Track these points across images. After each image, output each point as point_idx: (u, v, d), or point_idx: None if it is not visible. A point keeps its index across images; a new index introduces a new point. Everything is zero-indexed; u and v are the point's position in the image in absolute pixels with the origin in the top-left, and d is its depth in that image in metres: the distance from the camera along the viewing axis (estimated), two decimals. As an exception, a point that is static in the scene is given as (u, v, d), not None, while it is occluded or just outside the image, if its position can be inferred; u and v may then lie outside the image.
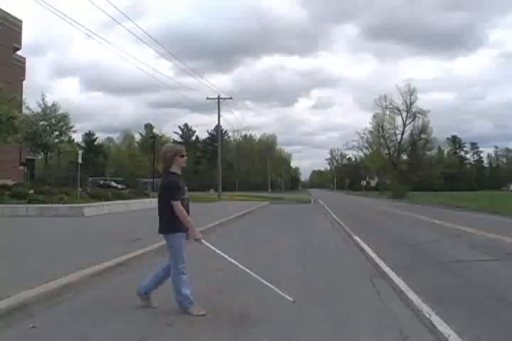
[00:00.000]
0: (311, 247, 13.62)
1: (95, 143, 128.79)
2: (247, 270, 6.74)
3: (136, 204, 30.83)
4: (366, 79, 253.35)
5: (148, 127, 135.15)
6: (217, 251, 6.87)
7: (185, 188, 6.68)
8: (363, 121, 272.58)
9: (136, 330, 5.56)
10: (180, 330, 5.63)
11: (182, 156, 6.67)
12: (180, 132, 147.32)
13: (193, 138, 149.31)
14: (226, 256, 6.98)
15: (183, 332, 5.56)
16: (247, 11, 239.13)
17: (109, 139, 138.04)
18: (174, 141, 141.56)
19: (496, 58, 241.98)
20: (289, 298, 6.33)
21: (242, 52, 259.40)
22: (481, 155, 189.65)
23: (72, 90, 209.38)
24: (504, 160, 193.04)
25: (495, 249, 13.53)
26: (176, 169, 6.62)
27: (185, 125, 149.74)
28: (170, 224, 6.34)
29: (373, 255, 11.58)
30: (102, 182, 73.92)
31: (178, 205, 6.28)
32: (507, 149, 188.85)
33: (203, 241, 6.65)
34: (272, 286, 6.56)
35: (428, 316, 6.12)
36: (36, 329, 5.56)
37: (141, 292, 6.61)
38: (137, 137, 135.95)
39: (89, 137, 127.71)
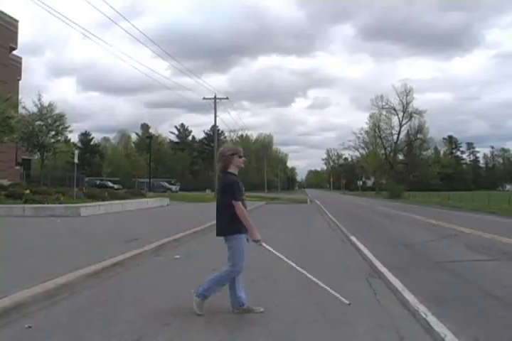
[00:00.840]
0: (308, 247, 13.63)
1: (91, 143, 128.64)
2: (303, 271, 6.69)
3: (132, 204, 30.80)
4: (363, 80, 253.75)
5: (145, 127, 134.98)
6: (275, 252, 6.81)
7: (243, 188, 6.54)
8: (360, 121, 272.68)
9: (133, 330, 5.55)
10: (177, 330, 5.62)
11: (240, 157, 6.48)
12: (176, 132, 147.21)
13: (190, 138, 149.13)
14: (283, 258, 6.98)
15: (180, 332, 5.55)
16: (245, 10, 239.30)
17: (106, 139, 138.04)
18: (171, 141, 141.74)
19: (492, 58, 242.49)
20: (345, 301, 6.26)
21: (239, 52, 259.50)
22: (477, 155, 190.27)
23: (69, 90, 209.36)
24: (500, 160, 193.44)
25: (491, 248, 13.54)
26: (233, 169, 6.45)
27: (182, 125, 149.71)
28: (230, 225, 6.25)
29: (370, 255, 11.58)
30: (98, 182, 73.80)
31: (239, 206, 6.19)
32: (503, 149, 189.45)
33: (263, 243, 6.53)
34: (327, 288, 6.50)
35: (424, 316, 6.11)
36: (32, 329, 5.55)
37: (238, 306, 6.46)
38: (134, 137, 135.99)
39: (85, 137, 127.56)
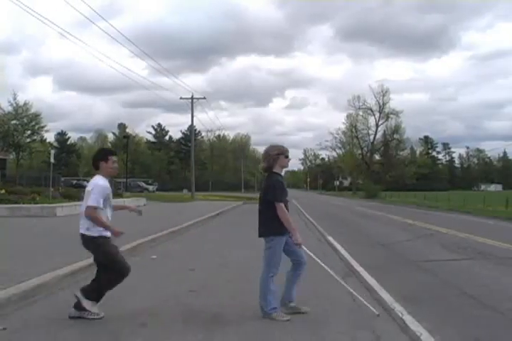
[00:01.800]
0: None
1: (68, 142, 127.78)
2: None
3: (109, 204, 30.46)
4: (341, 80, 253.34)
5: (122, 127, 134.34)
6: (313, 256, 6.77)
7: (287, 189, 6.46)
8: (337, 121, 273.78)
9: (109, 331, 5.53)
10: (153, 331, 5.60)
11: (286, 157, 6.42)
12: (153, 132, 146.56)
13: (167, 138, 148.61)
14: (321, 263, 6.87)
15: (157, 332, 5.54)
16: (224, 11, 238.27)
17: (82, 139, 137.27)
18: (148, 141, 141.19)
19: (468, 60, 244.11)
20: (375, 311, 6.22)
21: (218, 52, 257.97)
22: (453, 155, 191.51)
23: (46, 89, 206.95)
24: (475, 160, 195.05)
25: (467, 248, 13.66)
26: (278, 169, 6.36)
27: (159, 125, 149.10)
28: (272, 226, 6.14)
29: (346, 255, 11.63)
30: (74, 182, 73.08)
31: (282, 207, 6.10)
32: (478, 150, 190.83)
33: (303, 246, 6.41)
34: (358, 296, 6.49)
35: (400, 315, 6.15)
36: (7, 331, 5.48)
37: (286, 302, 6.36)
38: (110, 137, 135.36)
39: (61, 136, 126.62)
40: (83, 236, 6.25)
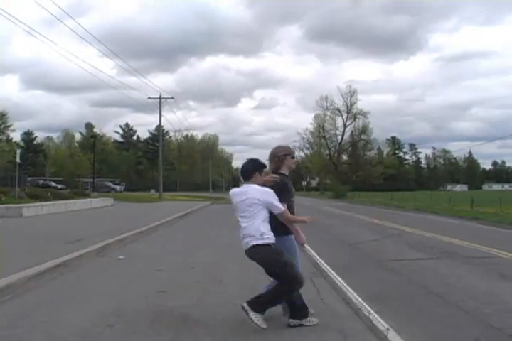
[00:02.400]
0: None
1: (34, 142, 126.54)
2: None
3: (76, 204, 30.40)
4: (309, 80, 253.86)
5: (89, 126, 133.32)
6: (317, 256, 6.73)
7: (293, 190, 6.42)
8: (305, 121, 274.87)
9: (76, 332, 5.49)
10: (121, 331, 5.57)
11: (293, 157, 6.38)
12: (121, 132, 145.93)
13: (134, 137, 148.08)
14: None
15: (125, 333, 5.51)
16: (193, 10, 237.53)
17: (49, 138, 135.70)
18: (115, 141, 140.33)
19: (435, 61, 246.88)
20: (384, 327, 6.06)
21: (187, 52, 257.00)
22: (420, 156, 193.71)
23: (12, 88, 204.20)
24: (441, 161, 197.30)
25: (433, 247, 13.80)
26: (285, 170, 6.30)
27: (127, 124, 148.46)
28: (279, 226, 6.02)
29: (314, 254, 11.67)
30: (41, 182, 72.60)
31: (286, 208, 6.00)
32: (444, 150, 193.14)
33: (306, 245, 6.42)
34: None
35: (367, 314, 6.19)
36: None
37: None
38: (78, 136, 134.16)
39: (28, 136, 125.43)
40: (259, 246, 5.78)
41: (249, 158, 6.06)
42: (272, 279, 6.09)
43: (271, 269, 5.79)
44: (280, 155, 6.27)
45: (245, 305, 5.59)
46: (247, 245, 5.75)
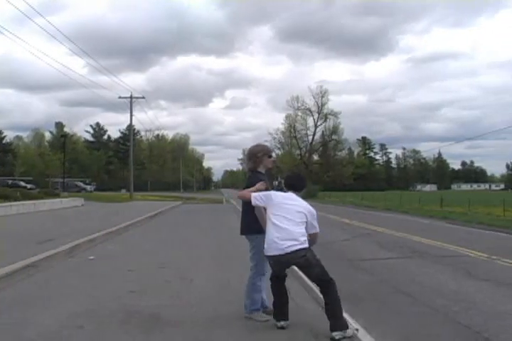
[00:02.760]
0: (222, 247, 13.63)
1: (3, 141, 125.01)
2: None
3: (46, 204, 30.13)
4: (281, 81, 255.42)
5: (59, 126, 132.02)
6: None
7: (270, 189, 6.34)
8: (276, 121, 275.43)
9: (46, 334, 5.43)
10: (91, 333, 5.53)
11: (270, 157, 6.39)
12: (91, 131, 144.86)
13: (105, 137, 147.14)
14: None
15: (95, 335, 5.47)
16: (165, 9, 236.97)
17: (19, 138, 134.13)
18: (86, 140, 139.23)
19: (405, 63, 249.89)
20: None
21: (159, 52, 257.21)
22: (390, 156, 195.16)
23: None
24: (411, 161, 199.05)
25: (403, 247, 13.93)
26: (262, 169, 6.32)
27: (97, 124, 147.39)
28: (252, 224, 6.06)
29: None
30: (10, 181, 71.78)
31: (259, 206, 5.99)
32: (414, 151, 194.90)
33: None
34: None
35: (338, 313, 6.23)
36: None
37: (263, 309, 6.27)
38: (48, 136, 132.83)
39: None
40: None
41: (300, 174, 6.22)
42: (249, 275, 6.18)
43: (312, 270, 5.75)
44: (259, 155, 6.28)
45: (336, 333, 5.38)
46: (286, 249, 5.53)
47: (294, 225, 5.63)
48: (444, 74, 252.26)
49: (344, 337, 5.36)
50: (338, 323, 5.44)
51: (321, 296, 7.19)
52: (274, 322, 5.73)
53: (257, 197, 5.74)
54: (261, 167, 6.30)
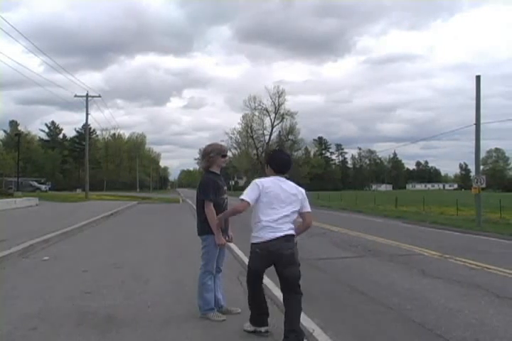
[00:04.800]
0: (178, 247, 13.60)
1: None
2: None
3: (-1, 204, 29.61)
4: (239, 81, 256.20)
5: (13, 124, 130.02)
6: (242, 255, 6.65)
7: (225, 188, 6.43)
8: (234, 121, 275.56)
9: (-2, 336, 5.38)
10: (44, 334, 5.48)
11: (223, 156, 6.36)
12: (46, 130, 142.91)
13: (60, 136, 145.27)
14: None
15: (48, 336, 5.42)
16: (124, 8, 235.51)
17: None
18: (41, 139, 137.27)
19: (362, 64, 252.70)
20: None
21: (116, 50, 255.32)
22: (346, 156, 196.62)
23: None
24: (367, 161, 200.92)
25: (357, 246, 14.06)
26: (215, 168, 6.33)
27: (52, 122, 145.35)
28: (204, 225, 6.11)
29: (240, 253, 11.69)
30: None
31: (209, 205, 6.05)
32: (370, 151, 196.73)
33: (232, 244, 6.36)
34: None
35: (293, 312, 6.26)
36: None
37: (217, 308, 6.31)
38: (1, 134, 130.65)
39: None
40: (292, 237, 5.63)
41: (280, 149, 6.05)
42: (199, 274, 6.26)
43: (295, 269, 5.64)
44: (212, 154, 6.31)
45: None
46: (280, 233, 5.45)
47: (294, 214, 5.68)
48: (400, 76, 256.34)
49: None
50: (294, 332, 5.31)
51: (277, 295, 7.26)
52: (247, 328, 5.65)
53: (246, 199, 5.42)
54: (214, 166, 6.35)
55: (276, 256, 5.43)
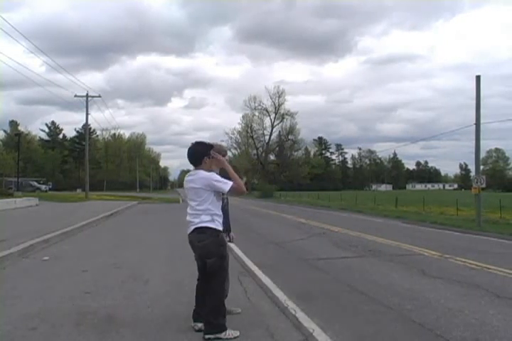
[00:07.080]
0: (178, 247, 13.56)
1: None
2: None
3: (-1, 204, 29.59)
4: (240, 81, 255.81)
5: (13, 124, 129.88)
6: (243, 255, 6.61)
7: None
8: (234, 121, 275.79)
9: (-3, 336, 5.38)
10: (44, 334, 5.47)
11: (224, 155, 6.27)
12: (47, 130, 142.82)
13: (60, 136, 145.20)
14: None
15: (48, 336, 5.41)
16: (125, 8, 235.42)
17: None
18: (41, 139, 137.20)
19: (363, 64, 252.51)
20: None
21: (118, 51, 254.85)
22: (346, 156, 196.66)
23: None
24: (367, 161, 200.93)
25: (357, 246, 14.04)
26: (215, 168, 6.18)
27: (53, 122, 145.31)
28: None
29: (240, 253, 11.69)
30: (-38, 181, 70.51)
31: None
32: (370, 151, 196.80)
33: (232, 244, 6.33)
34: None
35: (294, 312, 6.27)
36: None
37: None
38: (1, 134, 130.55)
39: None
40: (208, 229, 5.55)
41: (195, 141, 5.94)
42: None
43: (209, 258, 5.50)
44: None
45: (209, 336, 5.35)
46: (191, 227, 5.61)
47: (200, 205, 5.61)
48: (401, 76, 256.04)
49: (218, 339, 5.33)
50: (209, 328, 5.39)
51: (278, 295, 7.27)
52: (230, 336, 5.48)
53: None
54: (214, 166, 6.30)
55: (193, 247, 5.68)
